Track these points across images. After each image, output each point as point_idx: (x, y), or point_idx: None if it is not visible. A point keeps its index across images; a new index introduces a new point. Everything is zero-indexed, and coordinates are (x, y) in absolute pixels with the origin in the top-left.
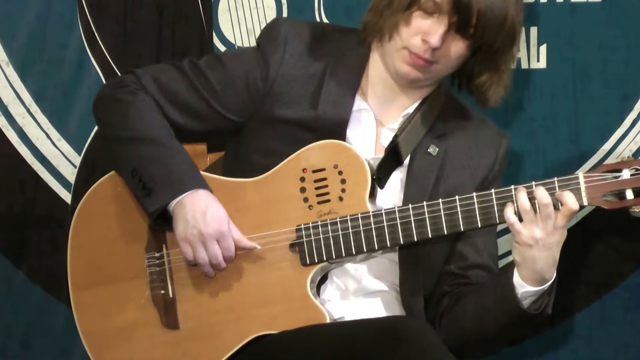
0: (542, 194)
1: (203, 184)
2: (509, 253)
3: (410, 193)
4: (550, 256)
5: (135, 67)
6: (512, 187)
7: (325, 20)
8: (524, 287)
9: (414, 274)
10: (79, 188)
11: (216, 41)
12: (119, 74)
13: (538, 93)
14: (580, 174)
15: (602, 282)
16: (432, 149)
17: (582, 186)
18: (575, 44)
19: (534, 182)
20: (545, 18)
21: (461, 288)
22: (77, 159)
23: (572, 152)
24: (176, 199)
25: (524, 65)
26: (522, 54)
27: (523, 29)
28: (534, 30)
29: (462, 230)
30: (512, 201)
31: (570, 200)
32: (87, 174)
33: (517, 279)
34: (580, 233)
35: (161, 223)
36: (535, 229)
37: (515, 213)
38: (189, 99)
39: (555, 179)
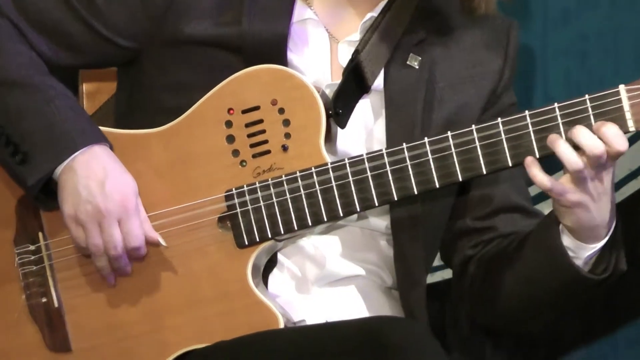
0: (589, 140)
1: (99, 137)
2: None
3: (394, 128)
4: (607, 202)
5: None
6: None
7: None
8: (584, 248)
9: (413, 247)
10: None
11: None
12: None
13: None
14: (622, 86)
15: None
16: (413, 60)
17: (626, 103)
18: None
19: (556, 104)
20: None
21: (489, 247)
22: None
23: None
24: (63, 162)
25: None
26: None
27: None
28: None
29: (460, 179)
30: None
31: (611, 134)
32: None
33: (570, 241)
34: None
35: (44, 199)
36: (586, 185)
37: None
38: (60, 21)
39: (587, 96)
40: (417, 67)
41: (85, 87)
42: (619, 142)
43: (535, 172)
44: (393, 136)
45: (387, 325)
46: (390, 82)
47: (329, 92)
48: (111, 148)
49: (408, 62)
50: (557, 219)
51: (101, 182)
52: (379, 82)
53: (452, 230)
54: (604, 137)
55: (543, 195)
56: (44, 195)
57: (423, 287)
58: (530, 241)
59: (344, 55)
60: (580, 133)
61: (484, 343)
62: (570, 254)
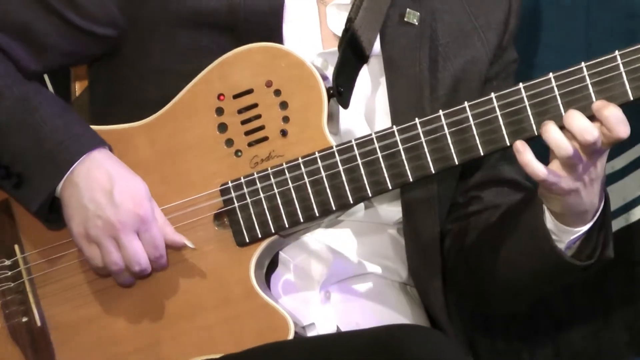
0: (581, 125)
1: (95, 141)
2: None
3: (397, 93)
4: (598, 186)
5: None
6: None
7: None
8: (568, 232)
9: (428, 226)
10: None
11: None
12: None
13: None
14: (617, 51)
15: None
16: (411, 16)
17: (623, 70)
18: None
19: (551, 74)
20: None
21: (471, 220)
22: None
23: None
24: (62, 178)
25: None
26: None
27: None
28: None
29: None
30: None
31: (614, 119)
32: None
33: (553, 224)
34: None
35: (54, 218)
36: (579, 172)
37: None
38: (33, 19)
39: (583, 64)
40: (416, 23)
41: (77, 84)
42: (622, 129)
43: (528, 158)
44: (397, 102)
45: (403, 334)
46: (388, 42)
47: (322, 62)
48: (111, 149)
49: (406, 19)
50: (542, 205)
51: (108, 191)
52: (375, 47)
53: None
54: (605, 121)
55: None
56: (53, 214)
57: (439, 274)
58: (513, 222)
59: (334, 20)
60: (573, 117)
61: (520, 352)
62: (553, 237)
